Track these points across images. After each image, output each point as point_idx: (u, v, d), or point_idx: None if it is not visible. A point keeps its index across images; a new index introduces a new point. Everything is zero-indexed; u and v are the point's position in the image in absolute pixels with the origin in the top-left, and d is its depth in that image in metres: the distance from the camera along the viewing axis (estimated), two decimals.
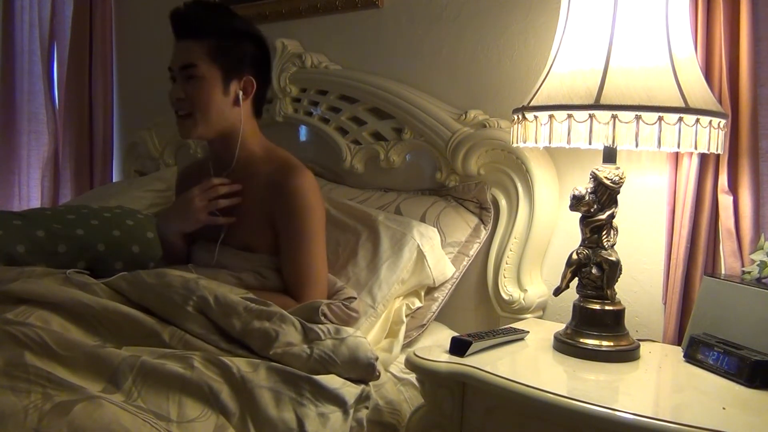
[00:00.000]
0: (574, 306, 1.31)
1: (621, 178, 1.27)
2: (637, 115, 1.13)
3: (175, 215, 1.50)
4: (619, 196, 1.29)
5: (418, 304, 1.57)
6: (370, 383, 1.25)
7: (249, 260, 1.45)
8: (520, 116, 1.27)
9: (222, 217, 1.46)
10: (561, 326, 1.34)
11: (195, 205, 1.45)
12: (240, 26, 1.48)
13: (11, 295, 1.19)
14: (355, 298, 1.41)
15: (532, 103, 1.26)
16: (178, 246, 1.53)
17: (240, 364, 1.13)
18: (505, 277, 1.62)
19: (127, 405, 1.01)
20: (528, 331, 1.36)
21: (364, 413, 1.22)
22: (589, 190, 1.28)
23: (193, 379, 1.07)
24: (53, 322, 1.13)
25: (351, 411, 1.17)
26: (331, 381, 1.16)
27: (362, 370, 1.21)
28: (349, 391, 1.17)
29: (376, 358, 1.22)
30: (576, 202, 1.28)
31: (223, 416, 1.07)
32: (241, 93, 1.47)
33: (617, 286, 1.30)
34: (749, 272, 1.27)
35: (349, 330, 1.26)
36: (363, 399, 1.21)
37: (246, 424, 1.08)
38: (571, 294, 1.33)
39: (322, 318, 1.29)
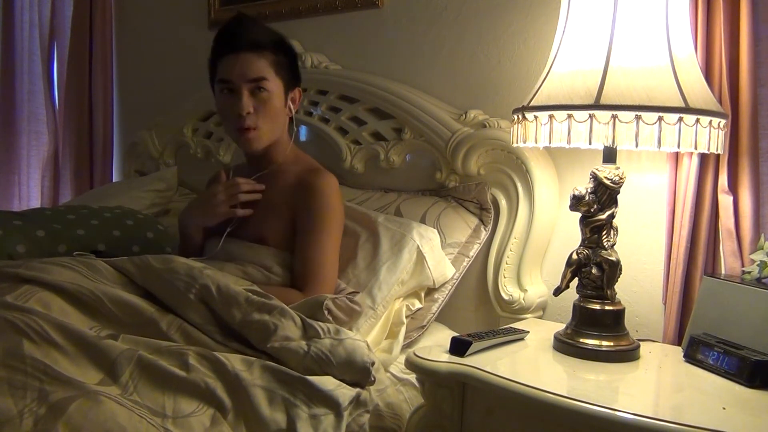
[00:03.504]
0: (574, 306, 1.31)
1: (621, 178, 1.27)
2: (637, 115, 1.13)
3: (198, 208, 1.57)
4: (619, 196, 1.29)
5: (418, 305, 1.57)
6: (370, 388, 1.25)
7: (258, 252, 1.47)
8: (520, 116, 1.27)
9: (241, 210, 1.53)
10: (561, 326, 1.34)
11: (217, 199, 1.52)
12: (285, 39, 1.55)
13: (13, 275, 1.19)
14: (358, 293, 1.43)
15: (532, 103, 1.26)
16: (196, 240, 1.59)
17: (234, 361, 1.13)
18: (505, 277, 1.62)
19: (123, 399, 1.01)
20: (528, 331, 1.36)
21: (366, 418, 1.22)
22: (589, 190, 1.28)
23: (188, 378, 1.08)
24: (53, 305, 1.13)
25: (345, 414, 1.17)
26: (326, 382, 1.16)
27: (357, 373, 1.21)
28: (344, 393, 1.17)
29: (373, 363, 1.22)
30: (576, 202, 1.28)
31: (219, 411, 1.08)
32: (291, 104, 1.55)
33: (617, 286, 1.30)
34: (749, 272, 1.27)
35: (350, 332, 1.26)
36: (361, 404, 1.21)
37: (238, 421, 1.09)
38: (571, 294, 1.34)
39: (326, 313, 1.29)
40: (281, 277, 1.46)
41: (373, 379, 1.22)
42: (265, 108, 1.48)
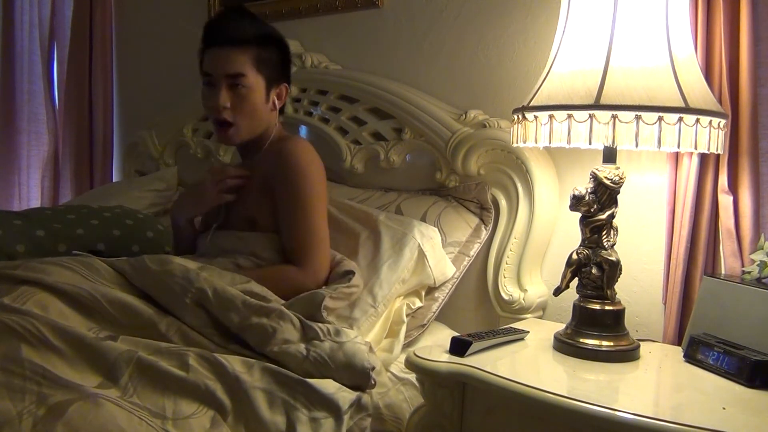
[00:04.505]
0: (574, 306, 1.31)
1: (621, 178, 1.27)
2: (637, 115, 1.13)
3: (188, 200, 1.60)
4: (619, 196, 1.29)
5: (418, 303, 1.57)
6: (371, 391, 1.24)
7: (246, 241, 1.47)
8: (520, 116, 1.27)
9: (228, 195, 1.53)
10: (561, 326, 1.34)
11: (206, 186, 1.53)
12: (274, 34, 1.53)
13: (11, 276, 1.18)
14: (354, 273, 1.41)
15: (532, 103, 1.26)
16: (188, 233, 1.60)
17: (235, 363, 1.13)
18: (505, 277, 1.62)
19: (123, 401, 1.01)
20: (528, 331, 1.36)
21: (367, 422, 1.22)
22: (589, 190, 1.28)
23: (188, 379, 1.08)
24: (51, 308, 1.13)
25: (345, 417, 1.16)
26: (326, 386, 1.16)
27: (357, 378, 1.21)
28: (344, 396, 1.17)
29: (373, 368, 1.22)
30: (576, 202, 1.28)
31: (219, 413, 1.07)
32: (276, 99, 1.53)
33: (617, 286, 1.30)
34: (749, 272, 1.27)
35: (350, 334, 1.25)
36: (362, 408, 1.21)
37: (238, 423, 1.09)
38: (571, 294, 1.33)
39: (324, 315, 1.29)
40: (271, 262, 1.45)
41: (373, 383, 1.22)
42: (242, 104, 1.47)
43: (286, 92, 1.56)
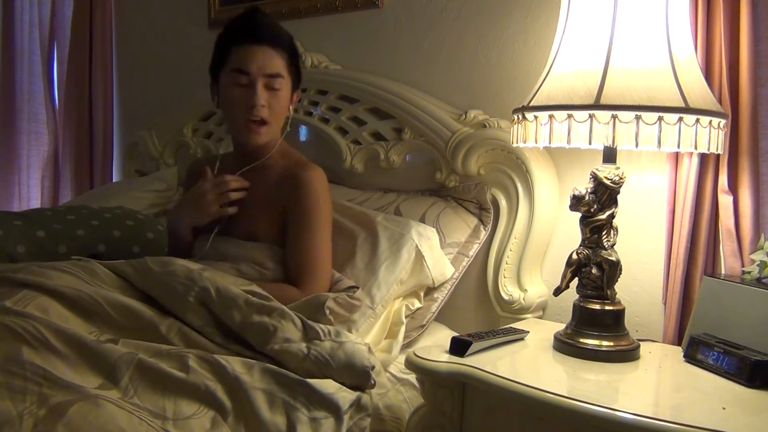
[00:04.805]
0: (574, 306, 1.31)
1: (621, 178, 1.27)
2: (637, 115, 1.13)
3: (188, 209, 1.56)
4: (619, 196, 1.29)
5: (417, 304, 1.57)
6: (371, 391, 1.25)
7: (249, 250, 1.47)
8: (520, 116, 1.27)
9: (229, 208, 1.53)
10: (561, 326, 1.34)
11: (207, 199, 1.51)
12: (294, 41, 1.56)
13: (12, 280, 1.18)
14: (357, 288, 1.42)
15: (532, 103, 1.26)
16: (188, 239, 1.58)
17: (235, 364, 1.13)
18: (505, 277, 1.62)
19: (123, 402, 1.01)
20: (528, 331, 1.36)
21: (367, 422, 1.22)
22: (589, 190, 1.28)
23: (189, 380, 1.08)
24: (52, 311, 1.12)
25: (345, 417, 1.16)
26: (326, 386, 1.16)
27: (357, 377, 1.21)
28: (344, 396, 1.17)
29: (373, 367, 1.22)
30: (576, 202, 1.29)
31: (219, 414, 1.07)
32: (291, 106, 1.56)
33: (617, 286, 1.30)
34: (749, 272, 1.27)
35: (350, 335, 1.26)
36: (362, 408, 1.21)
37: (238, 423, 1.09)
38: (571, 294, 1.34)
39: (327, 313, 1.29)
40: (274, 272, 1.45)
41: (373, 382, 1.22)
42: (276, 104, 1.49)
43: (297, 100, 1.58)
